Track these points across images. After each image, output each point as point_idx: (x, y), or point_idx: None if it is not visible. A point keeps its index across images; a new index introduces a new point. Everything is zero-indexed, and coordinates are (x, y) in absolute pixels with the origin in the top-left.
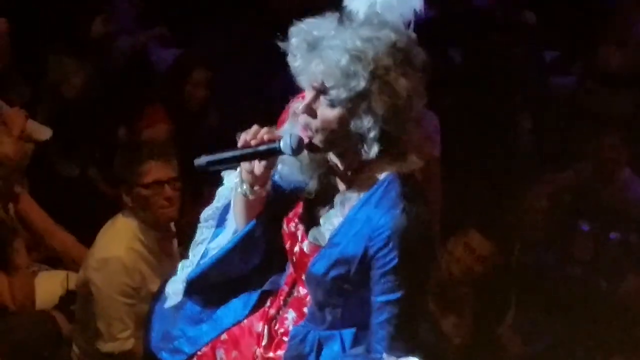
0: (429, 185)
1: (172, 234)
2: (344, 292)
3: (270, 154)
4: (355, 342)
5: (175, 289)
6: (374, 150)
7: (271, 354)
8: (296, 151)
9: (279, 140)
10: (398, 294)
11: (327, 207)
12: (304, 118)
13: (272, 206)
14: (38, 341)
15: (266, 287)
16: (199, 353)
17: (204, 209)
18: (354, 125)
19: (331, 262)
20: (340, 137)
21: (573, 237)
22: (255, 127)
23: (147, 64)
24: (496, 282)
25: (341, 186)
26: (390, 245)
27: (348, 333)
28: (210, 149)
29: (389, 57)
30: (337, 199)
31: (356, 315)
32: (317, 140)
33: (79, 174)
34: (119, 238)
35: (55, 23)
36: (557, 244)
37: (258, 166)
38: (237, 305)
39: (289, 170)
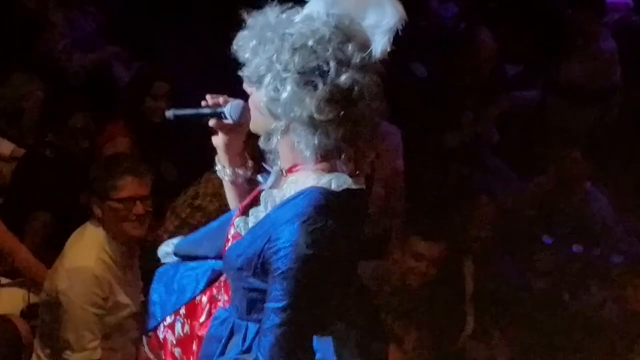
0: (393, 197)
1: (136, 250)
2: (247, 286)
3: (217, 117)
4: (255, 339)
5: (165, 251)
6: (293, 154)
7: (201, 332)
8: (235, 118)
9: (225, 105)
10: (282, 303)
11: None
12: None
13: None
14: None
15: (219, 267)
16: (164, 323)
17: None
18: (265, 106)
19: (240, 253)
20: (258, 120)
21: (536, 250)
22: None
23: (109, 78)
24: (453, 295)
25: (273, 184)
26: (281, 253)
27: (253, 328)
28: (172, 160)
29: (295, 56)
30: (264, 195)
31: (259, 312)
32: (251, 119)
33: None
34: (88, 248)
35: (10, 39)
36: (520, 257)
37: (217, 140)
38: (199, 280)
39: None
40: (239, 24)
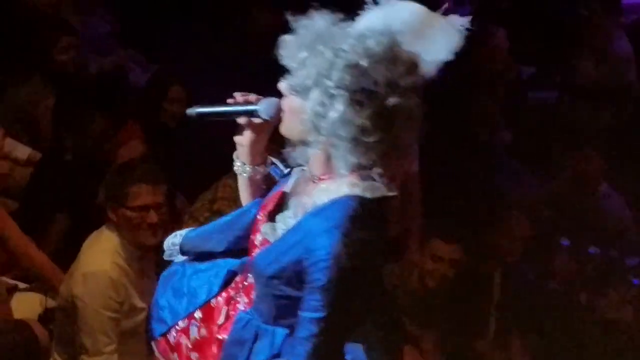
0: (408, 201)
1: (152, 254)
2: (278, 293)
3: (249, 114)
4: (284, 344)
5: (172, 242)
6: (328, 164)
7: (220, 336)
8: (272, 116)
9: (260, 103)
10: (321, 314)
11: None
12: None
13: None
14: (15, 350)
15: (235, 267)
16: (177, 327)
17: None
18: (302, 121)
19: (271, 260)
20: (295, 127)
21: (553, 252)
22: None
23: (124, 82)
24: (474, 298)
25: (306, 191)
26: (320, 265)
27: (281, 333)
28: (188, 165)
29: (346, 75)
30: (294, 201)
31: (289, 318)
32: (283, 122)
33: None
34: (104, 252)
35: (23, 45)
36: (537, 259)
37: (241, 138)
38: (212, 282)
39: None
40: (255, 27)
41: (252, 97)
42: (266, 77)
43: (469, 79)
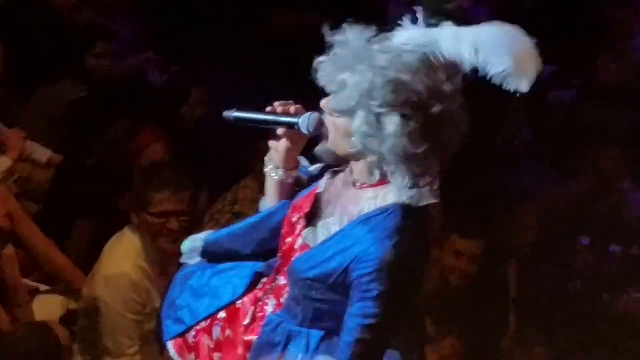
0: None
1: (174, 257)
2: (318, 297)
3: (288, 126)
4: (320, 345)
5: (191, 246)
6: (375, 173)
7: (247, 337)
8: (312, 131)
9: (300, 116)
10: (373, 320)
11: (330, 212)
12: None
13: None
14: (37, 352)
15: (262, 269)
16: (197, 327)
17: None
18: (359, 141)
19: (312, 266)
20: (343, 145)
21: (573, 251)
22: (290, 101)
23: (144, 84)
24: (495, 297)
25: (348, 197)
26: (374, 275)
27: (316, 334)
28: (208, 167)
29: (388, 91)
30: (339, 208)
31: (325, 321)
32: (328, 137)
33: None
34: (125, 255)
35: (55, 48)
36: (558, 258)
37: (277, 143)
38: (236, 283)
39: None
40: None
41: (292, 108)
42: (287, 80)
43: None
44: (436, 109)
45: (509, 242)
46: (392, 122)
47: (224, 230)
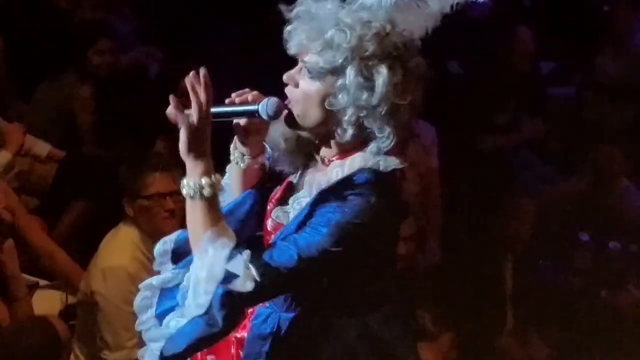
0: (428, 195)
1: None
2: None
3: (249, 115)
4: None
5: (162, 249)
6: (348, 133)
7: (239, 334)
8: (272, 116)
9: (259, 103)
10: (304, 242)
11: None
12: (287, 88)
13: (265, 186)
14: (37, 346)
15: None
16: None
17: None
18: (329, 103)
19: None
20: (316, 112)
21: (572, 247)
22: (247, 89)
23: (144, 79)
24: (492, 293)
25: (315, 169)
26: (327, 214)
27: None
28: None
29: (376, 43)
30: (307, 180)
31: (304, 303)
32: (296, 111)
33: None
34: (122, 248)
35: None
36: (557, 254)
37: (241, 133)
38: None
39: (280, 148)
40: (274, 24)
41: (249, 96)
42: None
43: (491, 74)
44: (412, 63)
45: (506, 238)
46: (382, 73)
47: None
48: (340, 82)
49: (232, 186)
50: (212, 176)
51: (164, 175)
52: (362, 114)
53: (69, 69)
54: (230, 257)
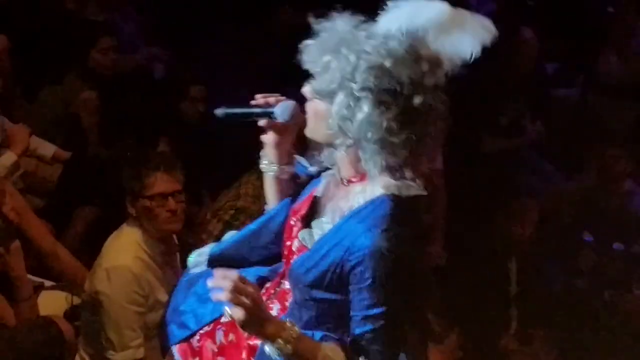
0: (434, 197)
1: (175, 248)
2: (319, 297)
3: (267, 116)
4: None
5: (197, 261)
6: (347, 157)
7: (251, 342)
8: (287, 119)
9: (276, 106)
10: (376, 310)
11: (323, 212)
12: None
13: (298, 198)
14: (42, 347)
15: (265, 273)
16: (201, 332)
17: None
18: (327, 124)
19: (310, 266)
20: (322, 130)
21: (576, 248)
22: (273, 94)
23: (148, 80)
24: (496, 294)
25: (340, 196)
26: (365, 264)
27: (319, 335)
28: (210, 162)
29: (369, 76)
30: (329, 206)
31: (329, 322)
32: (308, 124)
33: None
34: (126, 248)
35: (59, 45)
36: (561, 255)
37: (267, 137)
38: None
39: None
40: (277, 26)
41: (272, 99)
42: (288, 76)
43: (494, 76)
44: (417, 100)
45: (510, 239)
46: (369, 107)
47: (228, 241)
48: (331, 107)
49: (268, 194)
50: (282, 333)
51: (166, 176)
52: (348, 143)
53: (73, 70)
54: None
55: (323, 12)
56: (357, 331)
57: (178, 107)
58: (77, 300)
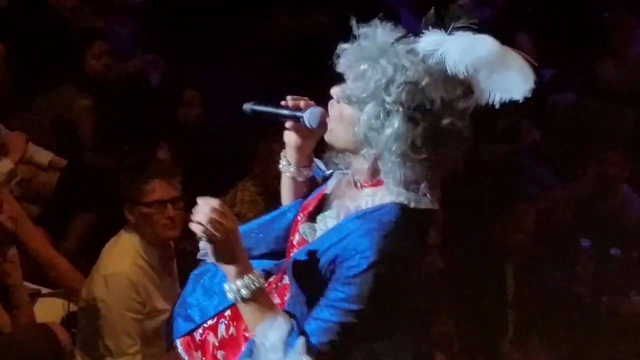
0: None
1: (172, 254)
2: (313, 293)
3: (295, 119)
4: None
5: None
6: (365, 165)
7: (249, 334)
8: (314, 125)
9: (306, 111)
10: (345, 305)
11: (330, 209)
12: (331, 101)
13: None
14: (38, 354)
15: (269, 267)
16: (205, 325)
17: None
18: (354, 131)
19: (308, 260)
20: (344, 135)
21: (574, 254)
22: (304, 97)
23: (145, 86)
24: (493, 299)
25: (349, 195)
26: (357, 261)
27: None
28: (207, 165)
29: (403, 92)
30: (337, 203)
31: None
32: (329, 126)
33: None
34: (123, 254)
35: (54, 52)
36: (558, 260)
37: (289, 138)
38: None
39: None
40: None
41: (302, 102)
42: (286, 79)
43: None
44: (446, 121)
45: (507, 244)
46: (397, 122)
47: (240, 228)
48: (360, 115)
49: (282, 193)
50: (245, 277)
51: (164, 183)
52: (371, 153)
53: (69, 77)
54: (286, 353)
55: (363, 18)
56: (315, 314)
57: (174, 112)
58: (74, 308)
